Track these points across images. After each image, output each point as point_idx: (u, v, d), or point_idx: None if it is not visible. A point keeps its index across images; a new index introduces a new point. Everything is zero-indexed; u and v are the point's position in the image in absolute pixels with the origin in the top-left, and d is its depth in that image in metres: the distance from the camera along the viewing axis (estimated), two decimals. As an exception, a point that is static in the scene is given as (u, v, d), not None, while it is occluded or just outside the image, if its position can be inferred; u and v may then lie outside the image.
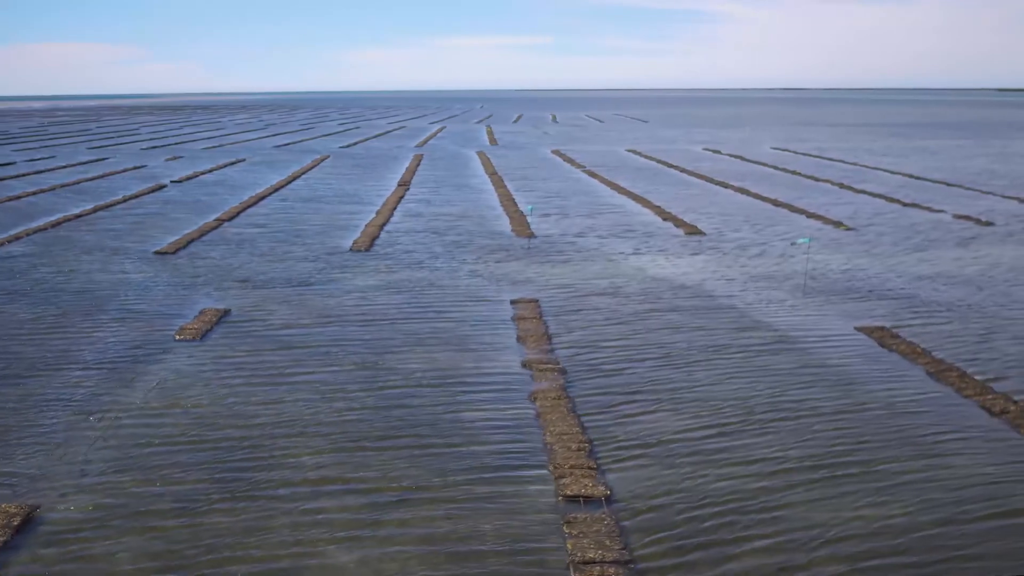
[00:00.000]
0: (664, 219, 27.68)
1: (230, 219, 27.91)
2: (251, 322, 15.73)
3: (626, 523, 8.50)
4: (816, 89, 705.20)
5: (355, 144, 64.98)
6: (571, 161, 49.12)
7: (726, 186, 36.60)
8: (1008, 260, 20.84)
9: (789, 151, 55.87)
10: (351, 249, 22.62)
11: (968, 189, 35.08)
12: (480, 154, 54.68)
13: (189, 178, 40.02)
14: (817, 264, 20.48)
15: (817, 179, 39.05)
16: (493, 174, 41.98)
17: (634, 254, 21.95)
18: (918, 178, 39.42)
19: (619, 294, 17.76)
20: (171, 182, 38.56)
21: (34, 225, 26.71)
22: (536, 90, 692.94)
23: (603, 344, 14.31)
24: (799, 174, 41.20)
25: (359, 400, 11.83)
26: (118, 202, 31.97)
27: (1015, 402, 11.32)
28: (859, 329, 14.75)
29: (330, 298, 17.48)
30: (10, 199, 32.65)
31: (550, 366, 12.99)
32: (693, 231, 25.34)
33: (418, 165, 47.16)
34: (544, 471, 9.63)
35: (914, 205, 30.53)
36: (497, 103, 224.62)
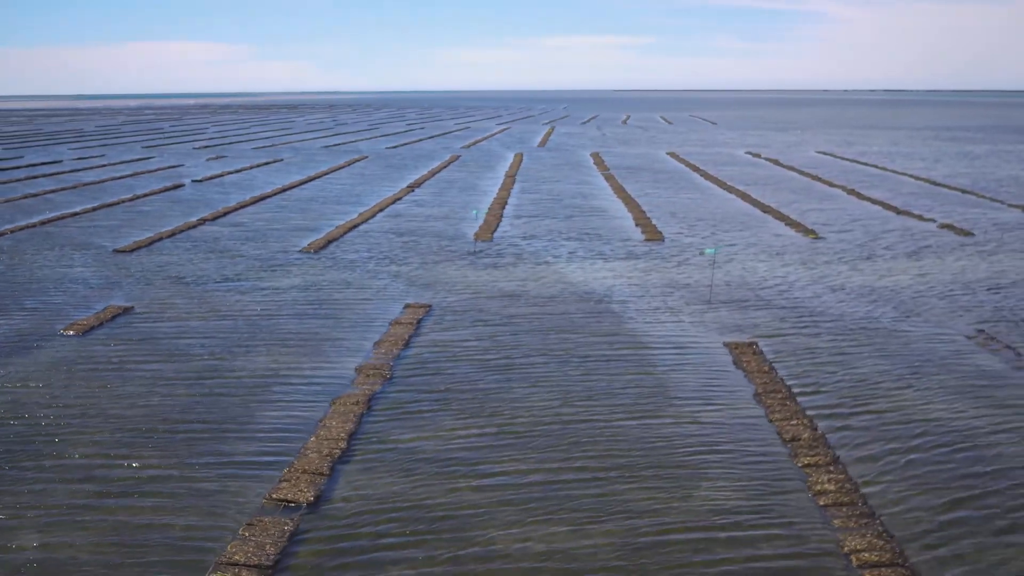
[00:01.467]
0: (636, 224, 27.56)
1: (214, 219, 28.87)
2: (142, 319, 16.41)
3: (304, 527, 8.76)
4: (917, 91, 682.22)
5: (402, 145, 65.95)
6: (600, 164, 49.02)
7: (731, 191, 36.14)
8: (946, 273, 20.19)
9: (829, 155, 54.67)
10: (301, 250, 23.22)
11: (981, 197, 33.90)
12: (517, 156, 54.96)
13: (211, 178, 41.36)
14: (746, 272, 20.23)
15: (832, 184, 38.23)
16: (510, 176, 42.24)
17: (571, 259, 21.98)
18: (937, 184, 38.25)
19: (515, 298, 17.85)
20: (192, 181, 39.97)
21: (27, 222, 28.10)
22: (635, 91, 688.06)
23: (451, 346, 14.51)
24: (818, 179, 40.38)
25: (168, 390, 12.34)
26: (125, 200, 33.32)
27: (814, 428, 10.96)
28: (726, 344, 14.56)
29: (237, 296, 18.09)
30: (26, 197, 34.34)
31: (377, 371, 13.28)
32: (654, 237, 25.20)
33: (446, 166, 47.71)
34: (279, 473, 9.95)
35: (906, 213, 29.70)
36: (584, 104, 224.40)
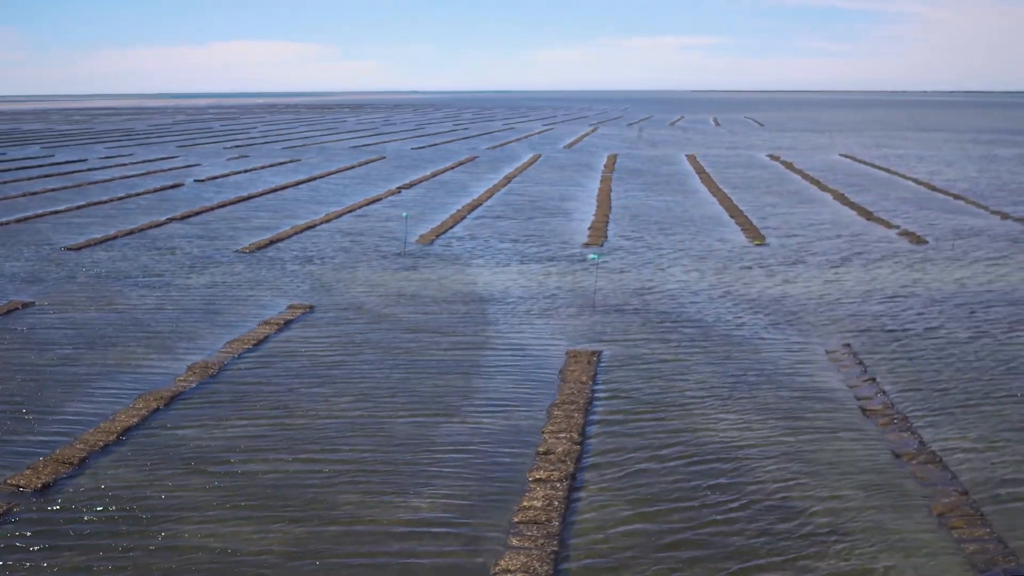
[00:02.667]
0: (590, 227, 27.57)
1: (184, 218, 29.72)
2: (34, 312, 17.14)
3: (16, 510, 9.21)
4: (998, 92, 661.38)
5: (430, 146, 66.59)
6: (608, 166, 48.93)
7: (716, 194, 35.83)
8: (858, 283, 19.81)
9: (849, 157, 53.66)
10: (239, 250, 23.82)
11: (969, 203, 33.02)
12: (534, 157, 55.14)
13: (214, 178, 42.43)
14: (652, 278, 20.13)
15: (825, 188, 37.61)
16: (509, 178, 42.46)
17: (492, 262, 22.14)
18: (934, 189, 37.35)
19: (402, 300, 18.10)
20: (194, 181, 41.09)
21: (5, 219, 29.32)
22: (711, 92, 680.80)
23: (300, 344, 14.85)
24: (816, 182, 39.75)
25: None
26: (115, 199, 34.46)
27: (576, 442, 10.72)
28: (568, 352, 14.57)
29: (141, 291, 18.72)
30: (24, 195, 35.72)
31: (205, 368, 13.69)
32: (596, 240, 25.22)
33: (453, 168, 48.12)
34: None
35: (875, 219, 29.11)
36: (651, 104, 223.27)
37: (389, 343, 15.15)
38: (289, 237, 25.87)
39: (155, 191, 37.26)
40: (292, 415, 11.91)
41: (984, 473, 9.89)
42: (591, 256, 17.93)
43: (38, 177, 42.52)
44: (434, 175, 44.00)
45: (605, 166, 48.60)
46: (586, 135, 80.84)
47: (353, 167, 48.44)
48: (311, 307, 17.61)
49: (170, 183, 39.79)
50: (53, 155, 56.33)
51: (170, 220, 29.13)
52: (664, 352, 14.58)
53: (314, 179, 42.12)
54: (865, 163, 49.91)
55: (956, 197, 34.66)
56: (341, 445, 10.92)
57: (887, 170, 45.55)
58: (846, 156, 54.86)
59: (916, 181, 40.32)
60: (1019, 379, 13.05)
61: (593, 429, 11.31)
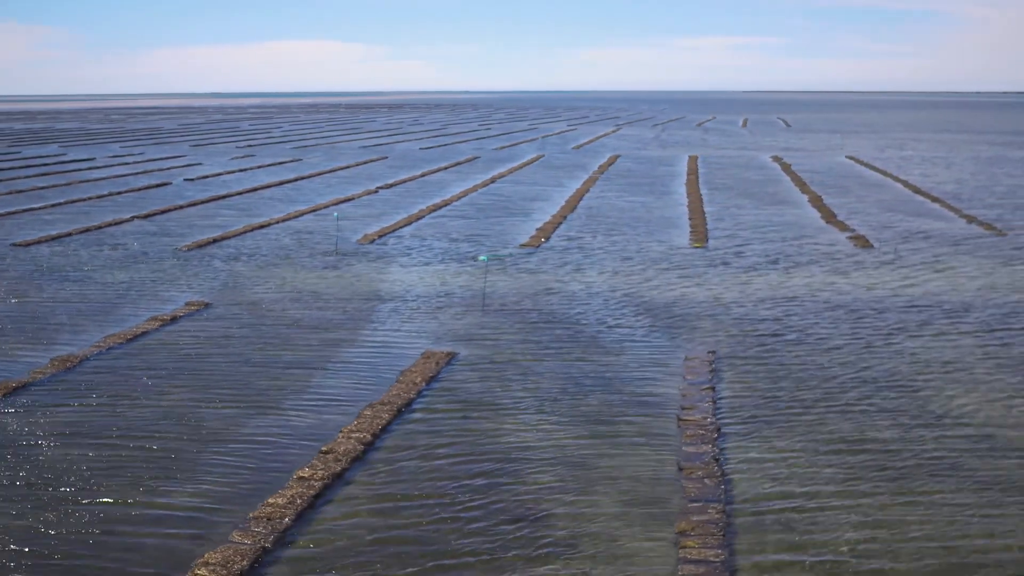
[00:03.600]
0: (539, 228, 27.53)
1: (147, 216, 30.21)
2: (-61, 309, 17.64)
3: None
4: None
5: (440, 146, 66.90)
6: (603, 167, 48.78)
7: (691, 195, 35.55)
8: (764, 287, 19.58)
9: (853, 159, 52.84)
10: (177, 248, 24.21)
11: (945, 206, 32.35)
12: (536, 157, 55.14)
13: (205, 177, 43.06)
14: (559, 279, 20.08)
15: (806, 189, 37.14)
16: (496, 177, 42.57)
17: (416, 261, 22.26)
18: (919, 192, 36.64)
19: (299, 298, 18.28)
20: (183, 180, 41.76)
21: (-23, 216, 30.11)
22: (755, 92, 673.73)
23: (167, 337, 15.08)
24: (802, 184, 39.22)
25: None
26: (94, 197, 35.18)
27: (364, 444, 10.83)
28: (425, 353, 14.59)
29: (53, 285, 19.14)
30: (10, 192, 36.61)
31: (65, 361, 14.00)
32: (537, 241, 25.21)
33: (448, 168, 48.32)
34: None
35: (835, 222, 28.66)
36: (692, 105, 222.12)
37: (260, 339, 15.37)
38: (237, 236, 26.23)
39: (139, 189, 37.94)
40: (118, 404, 12.18)
41: (760, 489, 9.62)
42: (481, 258, 17.92)
43: (35, 175, 43.51)
44: (423, 175, 44.23)
45: (600, 167, 48.43)
46: (604, 136, 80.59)
47: (349, 167, 48.84)
48: (207, 304, 17.89)
49: (158, 182, 40.52)
50: (65, 153, 57.61)
51: (133, 218, 29.69)
52: (520, 354, 14.57)
53: (302, 179, 42.56)
54: (865, 165, 49.16)
55: (935, 200, 34.03)
56: (143, 433, 11.16)
57: (884, 172, 44.83)
58: (851, 158, 54.06)
59: (905, 184, 39.62)
60: (859, 389, 12.80)
61: (394, 429, 11.38)
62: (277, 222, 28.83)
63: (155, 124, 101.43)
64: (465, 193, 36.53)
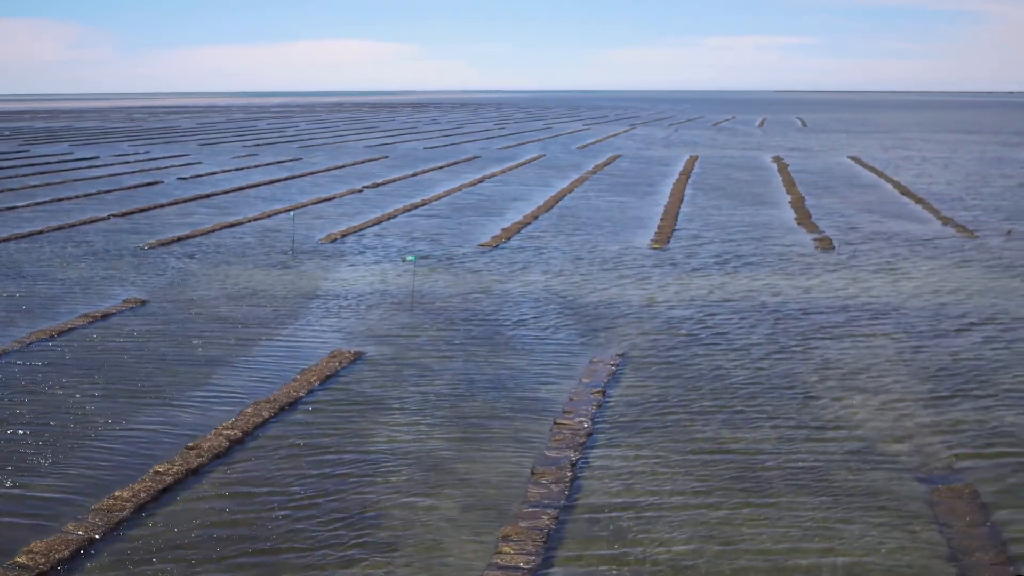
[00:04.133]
0: (505, 230, 27.55)
1: (124, 215, 30.51)
2: None
3: None
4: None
5: (446, 146, 67.12)
6: (598, 167, 48.75)
7: (674, 195, 35.43)
8: (702, 288, 19.51)
9: (854, 159, 52.40)
10: (139, 247, 24.50)
11: (928, 208, 32.00)
12: (536, 156, 55.23)
13: (199, 176, 43.49)
14: (497, 278, 20.16)
15: (792, 190, 36.89)
16: (487, 177, 42.70)
17: (365, 259, 22.39)
18: (904, 192, 36.30)
19: (237, 297, 18.46)
20: (177, 179, 42.22)
21: (-41, 213, 30.64)
22: (785, 91, 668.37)
23: (93, 331, 15.34)
24: (791, 184, 38.99)
25: None
26: (82, 196, 35.66)
27: (240, 437, 11.09)
28: (333, 352, 14.68)
29: (3, 282, 19.49)
30: (0, 191, 37.23)
31: (-26, 356, 14.33)
32: (499, 240, 25.27)
33: (446, 167, 48.49)
34: None
35: (805, 223, 28.48)
36: (713, 104, 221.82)
37: (181, 335, 15.56)
38: (204, 234, 26.50)
39: (129, 188, 38.40)
40: (15, 395, 12.49)
41: (605, 495, 9.57)
42: (409, 258, 18.02)
43: (33, 174, 44.12)
44: (416, 175, 44.40)
45: (596, 167, 48.34)
46: (615, 135, 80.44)
47: (346, 166, 49.11)
48: (143, 301, 18.13)
49: (150, 180, 41.02)
50: (72, 152, 58.38)
51: (110, 216, 30.08)
52: (428, 354, 14.65)
53: (293, 178, 42.86)
54: (864, 165, 48.74)
55: (919, 201, 33.69)
56: (22, 423, 11.46)
57: (879, 173, 44.42)
58: (853, 158, 53.61)
59: (896, 184, 39.23)
60: (752, 394, 12.75)
61: (269, 427, 11.49)
62: (249, 221, 29.10)
63: (173, 123, 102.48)
64: (448, 193, 36.67)
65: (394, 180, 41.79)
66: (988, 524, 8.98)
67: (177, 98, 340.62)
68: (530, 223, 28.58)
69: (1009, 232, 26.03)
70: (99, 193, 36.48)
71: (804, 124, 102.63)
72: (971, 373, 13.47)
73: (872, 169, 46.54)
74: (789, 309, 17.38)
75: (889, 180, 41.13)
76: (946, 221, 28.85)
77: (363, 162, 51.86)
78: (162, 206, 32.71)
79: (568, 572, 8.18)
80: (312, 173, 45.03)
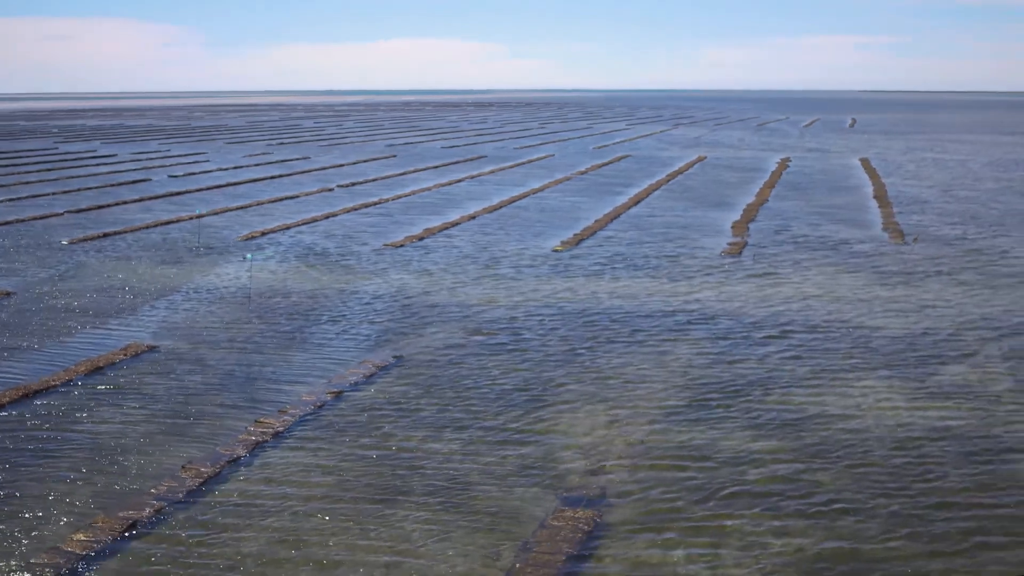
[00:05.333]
0: (427, 229, 27.72)
1: (79, 211, 31.66)
2: None
3: None
4: None
5: (465, 146, 67.53)
6: (598, 167, 48.58)
7: (642, 197, 35.16)
8: (549, 289, 19.41)
9: (862, 161, 51.05)
10: (64, 242, 25.30)
11: (885, 212, 31.08)
12: (543, 156, 55.27)
13: (192, 174, 44.63)
14: (371, 277, 20.37)
15: (765, 191, 36.21)
16: (477, 175, 42.93)
17: (291, 257, 22.80)
18: (878, 196, 35.26)
19: (105, 287, 19.03)
20: (168, 176, 43.43)
21: (-70, 208, 32.06)
22: (874, 92, 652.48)
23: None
24: (769, 187, 38.28)
25: None
26: (61, 192, 36.97)
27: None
28: (127, 346, 15.06)
29: None
30: (-9, 186, 38.81)
31: None
32: (405, 241, 25.47)
33: (442, 166, 48.86)
34: None
35: (739, 226, 27.98)
36: (783, 104, 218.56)
37: (12, 325, 16.17)
38: (136, 231, 27.25)
39: (114, 185, 39.62)
40: None
41: (227, 496, 9.75)
42: (247, 256, 18.37)
43: (36, 171, 45.88)
44: (403, 174, 44.81)
45: (591, 167, 48.14)
46: (647, 136, 79.83)
47: (344, 165, 49.79)
48: (9, 293, 18.82)
49: (139, 178, 42.28)
50: (96, 150, 60.44)
51: (65, 212, 31.18)
52: (216, 348, 14.95)
53: (281, 176, 43.63)
54: (867, 167, 47.49)
55: (883, 204, 32.71)
56: None
57: (874, 175, 43.18)
58: (862, 160, 52.29)
59: (879, 187, 38.19)
60: (488, 400, 12.72)
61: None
62: (191, 218, 29.85)
63: (222, 121, 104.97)
64: (415, 192, 36.96)
65: (374, 180, 42.20)
66: (568, 552, 8.58)
67: (260, 96, 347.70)
68: (461, 223, 28.72)
69: (915, 239, 25.29)
70: (80, 190, 37.74)
71: (852, 125, 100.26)
72: (733, 387, 13.03)
73: (871, 171, 45.36)
74: (614, 314, 17.19)
75: (876, 182, 40.07)
76: (889, 226, 28.03)
77: (365, 161, 52.52)
78: (126, 203, 33.73)
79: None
80: (303, 172, 45.79)
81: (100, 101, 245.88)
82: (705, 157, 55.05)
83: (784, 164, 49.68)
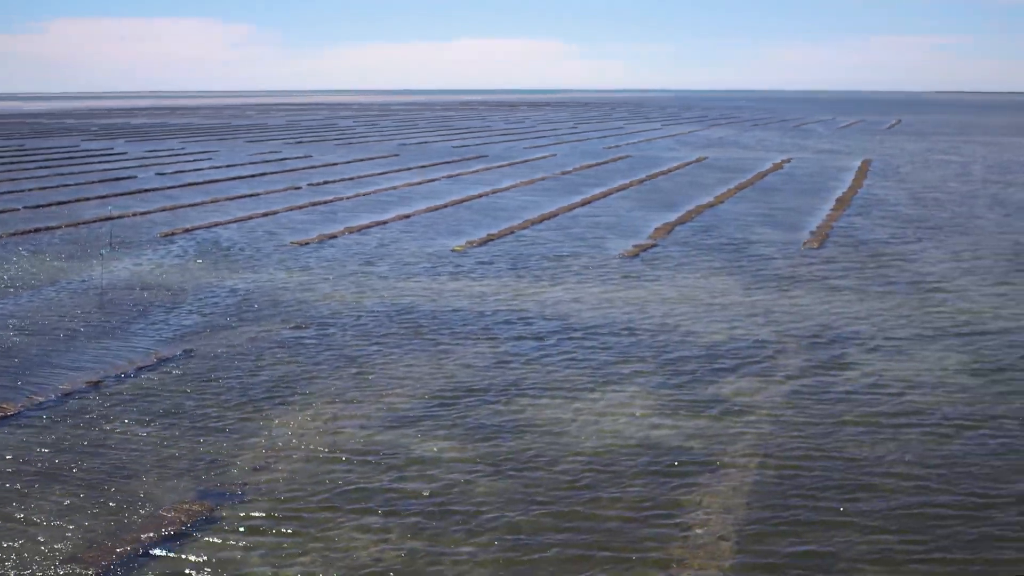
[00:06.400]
0: (348, 227, 28.03)
1: (35, 208, 32.68)
2: None
3: None
4: None
5: (473, 144, 67.80)
6: (583, 168, 48.42)
7: (602, 197, 34.98)
8: (385, 287, 19.51)
9: (863, 162, 49.96)
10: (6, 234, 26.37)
11: (833, 212, 30.51)
12: (542, 156, 55.25)
13: (181, 171, 45.75)
14: (248, 273, 20.73)
15: (729, 192, 35.77)
16: (445, 177, 43.17)
17: (156, 255, 23.36)
18: (843, 197, 34.55)
19: (79, 289, 19.92)
20: (156, 174, 44.54)
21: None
22: (946, 92, 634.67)
23: None
24: (740, 188, 37.79)
25: None
26: (44, 188, 38.20)
27: None
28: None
29: None
30: (-22, 182, 40.24)
31: None
32: (303, 242, 25.74)
33: (434, 165, 49.19)
34: None
35: (660, 229, 27.68)
36: (843, 105, 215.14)
37: None
38: (72, 226, 28.09)
39: (98, 182, 40.77)
40: None
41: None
42: (102, 251, 18.96)
43: (33, 167, 47.46)
44: (383, 173, 45.11)
45: (580, 167, 48.00)
46: (669, 136, 79.14)
47: (338, 164, 50.39)
48: None
49: (127, 176, 43.45)
50: (112, 148, 62.22)
51: (23, 208, 32.27)
52: (28, 334, 15.46)
53: (263, 175, 44.38)
54: (861, 169, 46.44)
55: (836, 208, 31.98)
56: None
57: (860, 176, 42.25)
58: (864, 161, 51.16)
59: (852, 189, 37.23)
60: (192, 387, 13.01)
61: None
62: (144, 214, 30.63)
63: (263, 121, 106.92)
64: (376, 192, 37.23)
65: (351, 179, 42.60)
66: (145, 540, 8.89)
67: (328, 96, 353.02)
68: (391, 222, 28.88)
69: (807, 243, 24.74)
70: (60, 187, 38.95)
71: (891, 126, 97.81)
72: (478, 389, 12.90)
73: (862, 173, 44.36)
74: (442, 313, 17.17)
75: (855, 184, 39.12)
76: (819, 230, 27.39)
77: (362, 160, 52.99)
78: (88, 199, 34.72)
79: None
80: (292, 171, 46.46)
81: (168, 100, 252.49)
82: (706, 158, 54.42)
83: (779, 165, 48.87)
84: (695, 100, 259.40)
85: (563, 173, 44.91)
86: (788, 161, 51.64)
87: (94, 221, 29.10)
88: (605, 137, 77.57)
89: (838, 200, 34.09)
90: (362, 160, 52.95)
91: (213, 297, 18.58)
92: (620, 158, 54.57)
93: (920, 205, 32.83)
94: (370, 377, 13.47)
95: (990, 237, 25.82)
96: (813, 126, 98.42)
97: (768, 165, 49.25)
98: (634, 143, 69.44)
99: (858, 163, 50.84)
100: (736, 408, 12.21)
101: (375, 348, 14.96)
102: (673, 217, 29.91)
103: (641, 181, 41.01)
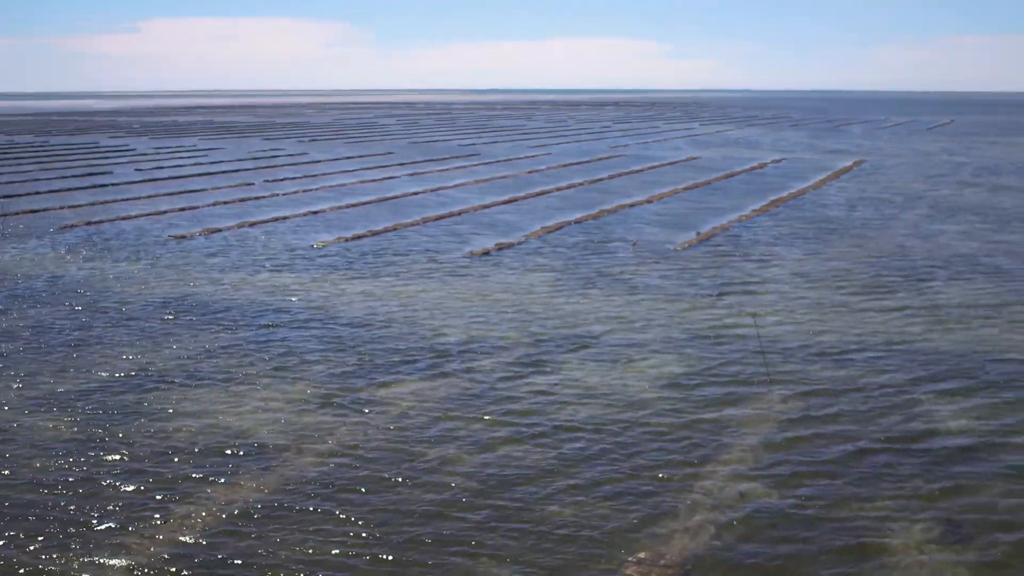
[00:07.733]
0: (261, 223, 28.58)
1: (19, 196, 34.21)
2: None
3: None
4: None
5: (488, 143, 68.07)
6: (562, 167, 48.31)
7: (550, 195, 34.94)
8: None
9: (855, 162, 48.70)
10: (-93, 225, 27.65)
11: (782, 210, 29.98)
12: (537, 154, 55.29)
13: (160, 167, 47.16)
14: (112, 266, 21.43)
15: (675, 191, 35.39)
16: (417, 175, 43.56)
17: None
18: (789, 196, 33.91)
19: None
20: (135, 170, 46.00)
21: None
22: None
23: None
24: (688, 188, 37.31)
25: None
26: (23, 182, 39.84)
27: None
28: None
29: None
30: (-41, 176, 42.11)
31: None
32: (187, 235, 26.36)
33: (430, 161, 49.66)
34: None
35: (545, 229, 27.63)
36: (913, 105, 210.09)
37: None
38: (17, 215, 29.54)
39: (79, 176, 42.35)
40: None
41: None
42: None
43: (28, 162, 49.42)
44: (357, 170, 45.80)
45: (552, 167, 47.89)
46: (690, 136, 78.17)
47: (322, 161, 51.24)
48: None
49: (104, 171, 44.99)
50: (127, 144, 64.36)
51: (37, 197, 34.15)
52: None
53: (241, 171, 45.42)
54: (845, 169, 45.31)
55: (757, 210, 31.31)
56: None
57: (835, 176, 41.28)
58: (856, 161, 49.85)
59: (803, 190, 36.57)
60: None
61: None
62: (73, 208, 31.78)
63: (302, 119, 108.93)
64: (319, 188, 37.76)
65: (314, 176, 43.24)
66: None
67: (413, 95, 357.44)
68: (293, 218, 29.32)
69: (634, 243, 24.27)
70: (28, 181, 40.57)
71: (936, 127, 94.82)
72: (149, 377, 13.40)
73: (840, 173, 43.32)
74: (218, 305, 17.56)
75: (820, 184, 38.22)
76: (712, 230, 26.80)
77: (349, 158, 53.58)
78: (39, 193, 36.10)
79: None
80: (281, 166, 47.50)
81: (248, 99, 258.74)
82: (698, 157, 53.72)
83: (761, 165, 47.96)
84: (773, 101, 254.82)
85: (529, 172, 44.82)
86: (777, 161, 50.63)
87: (25, 213, 30.34)
88: (626, 135, 77.10)
89: (771, 201, 33.38)
90: (350, 158, 53.67)
91: (38, 285, 19.30)
92: (607, 158, 54.10)
93: (851, 207, 31.90)
94: (77, 356, 14.08)
95: (871, 241, 25.03)
96: (853, 127, 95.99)
97: (752, 165, 48.40)
98: (645, 143, 68.76)
99: (847, 163, 49.61)
100: (375, 405, 12.28)
101: (109, 330, 15.48)
102: (577, 216, 29.71)
103: (594, 181, 40.68)
